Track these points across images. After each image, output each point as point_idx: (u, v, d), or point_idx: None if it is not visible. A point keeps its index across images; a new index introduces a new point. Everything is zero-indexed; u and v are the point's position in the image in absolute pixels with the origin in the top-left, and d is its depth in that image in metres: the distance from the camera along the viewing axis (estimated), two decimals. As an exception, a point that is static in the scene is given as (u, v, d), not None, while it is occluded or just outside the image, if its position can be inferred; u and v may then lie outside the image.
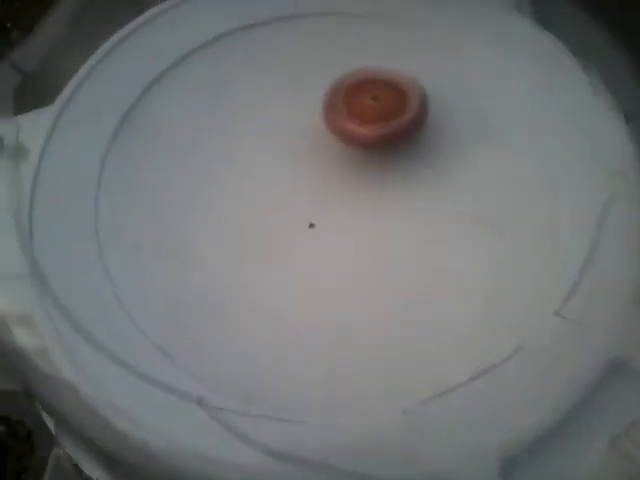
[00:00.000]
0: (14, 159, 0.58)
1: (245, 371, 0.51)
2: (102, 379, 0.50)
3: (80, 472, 0.56)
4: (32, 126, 0.60)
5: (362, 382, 0.51)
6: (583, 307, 0.53)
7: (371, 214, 0.59)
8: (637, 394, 0.51)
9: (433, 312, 0.54)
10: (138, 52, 0.65)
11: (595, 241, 0.56)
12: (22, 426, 0.73)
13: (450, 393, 0.50)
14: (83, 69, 0.63)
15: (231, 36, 0.67)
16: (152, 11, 0.67)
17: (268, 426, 0.49)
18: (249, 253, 0.56)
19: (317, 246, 0.57)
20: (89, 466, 0.56)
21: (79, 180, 0.59)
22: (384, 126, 0.57)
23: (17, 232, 0.55)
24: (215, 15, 0.68)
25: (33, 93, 0.63)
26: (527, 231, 0.57)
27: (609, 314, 0.53)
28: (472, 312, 0.54)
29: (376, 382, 0.51)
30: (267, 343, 0.53)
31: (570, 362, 0.51)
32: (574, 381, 0.50)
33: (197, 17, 0.68)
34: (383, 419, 0.49)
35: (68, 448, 0.56)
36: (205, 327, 0.53)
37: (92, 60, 0.64)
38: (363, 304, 0.54)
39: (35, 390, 0.53)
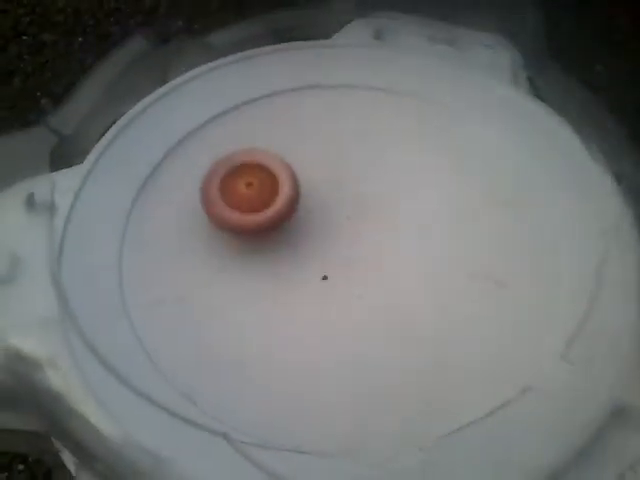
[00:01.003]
0: (48, 213, 0.60)
1: (265, 414, 0.53)
2: (126, 419, 0.51)
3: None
4: (64, 183, 0.62)
5: (378, 420, 0.53)
6: (585, 354, 0.55)
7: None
8: (636, 436, 0.53)
9: (446, 354, 0.56)
10: (161, 118, 0.68)
11: (594, 293, 0.58)
12: (41, 465, 0.72)
13: (462, 431, 0.52)
14: (110, 132, 0.66)
15: (252, 105, 0.70)
16: (175, 81, 0.70)
17: (292, 461, 0.50)
18: (261, 310, 0.59)
19: (330, 298, 0.59)
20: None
21: (104, 240, 0.60)
22: (259, 215, 0.59)
23: (50, 281, 0.57)
24: (236, 83, 0.71)
25: (67, 154, 0.65)
26: (529, 285, 0.60)
27: (610, 359, 0.55)
28: (482, 356, 0.56)
29: (392, 420, 0.53)
30: (286, 388, 0.54)
31: (575, 404, 0.54)
32: (580, 423, 0.52)
33: (217, 86, 0.71)
34: (400, 456, 0.51)
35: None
36: (226, 375, 0.55)
37: (119, 124, 0.66)
38: (377, 349, 0.57)
39: (59, 430, 0.53)
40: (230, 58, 0.72)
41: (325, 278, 0.60)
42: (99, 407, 0.51)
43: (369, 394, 0.54)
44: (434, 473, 0.50)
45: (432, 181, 0.66)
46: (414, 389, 0.54)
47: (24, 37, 1.11)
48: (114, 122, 0.66)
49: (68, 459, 0.58)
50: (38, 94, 1.00)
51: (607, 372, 0.55)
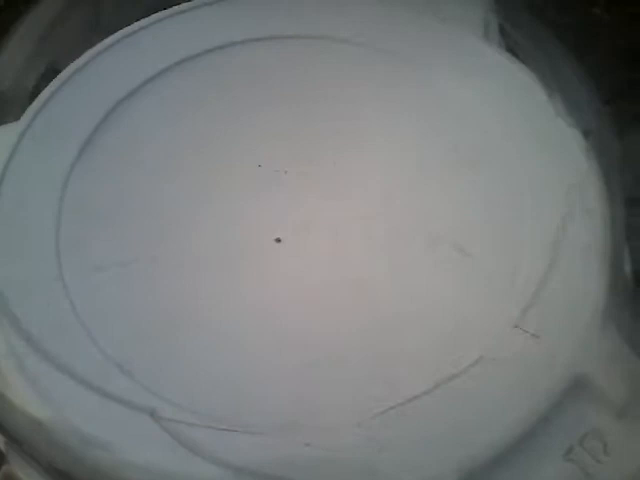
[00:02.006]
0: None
1: (201, 386, 0.50)
2: (54, 394, 0.48)
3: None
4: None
5: (317, 394, 0.50)
6: (541, 321, 0.52)
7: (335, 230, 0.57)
8: (593, 408, 0.50)
9: (392, 323, 0.53)
10: (102, 74, 0.64)
11: (554, 255, 0.55)
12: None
13: (407, 405, 0.49)
14: (48, 89, 0.62)
15: (194, 60, 0.65)
16: (120, 32, 0.66)
17: (223, 439, 0.47)
18: (209, 271, 0.55)
19: (282, 262, 0.56)
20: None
21: (41, 201, 0.57)
22: None
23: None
24: (176, 40, 0.67)
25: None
26: (489, 248, 0.56)
27: (567, 328, 0.52)
28: (432, 324, 0.53)
29: (332, 394, 0.50)
30: (223, 359, 0.51)
31: (529, 375, 0.50)
32: (534, 395, 0.49)
33: (160, 41, 0.67)
34: (339, 432, 0.48)
35: (18, 465, 0.53)
36: (163, 344, 0.51)
37: (57, 81, 0.63)
38: (322, 316, 0.53)
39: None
40: (180, 7, 0.68)
41: (278, 240, 0.56)
42: (26, 383, 0.48)
43: (309, 366, 0.51)
44: (373, 450, 0.47)
45: (392, 138, 0.62)
46: (357, 361, 0.51)
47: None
48: (52, 75, 0.62)
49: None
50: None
51: (564, 341, 0.51)
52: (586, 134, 0.59)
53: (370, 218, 0.58)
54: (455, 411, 0.49)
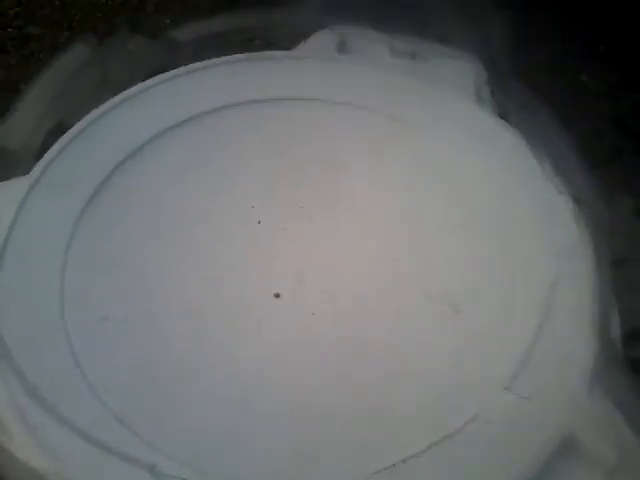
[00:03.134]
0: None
1: (200, 441, 0.50)
2: (55, 446, 0.48)
3: None
4: (8, 194, 0.59)
5: (315, 452, 0.50)
6: (531, 383, 0.52)
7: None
8: (583, 468, 0.50)
9: (387, 382, 0.53)
10: (107, 133, 0.65)
11: (543, 318, 0.55)
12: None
13: (401, 465, 0.48)
14: (56, 146, 0.63)
15: (196, 120, 0.66)
16: (126, 92, 0.67)
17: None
18: (209, 325, 0.55)
19: (280, 317, 0.56)
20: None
21: (46, 254, 0.57)
22: None
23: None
24: (193, 93, 0.68)
25: (11, 165, 0.62)
26: (481, 309, 0.57)
27: (556, 391, 0.52)
28: (425, 384, 0.53)
29: (327, 452, 0.50)
30: (223, 413, 0.51)
31: (520, 436, 0.50)
32: (524, 455, 0.49)
33: (163, 102, 0.68)
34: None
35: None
36: (164, 398, 0.51)
37: (65, 138, 0.63)
38: (318, 372, 0.53)
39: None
40: (187, 67, 0.69)
41: (277, 296, 0.57)
42: (27, 434, 0.48)
43: (305, 422, 0.51)
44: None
45: (390, 198, 0.63)
46: (352, 419, 0.51)
47: (9, 29, 1.09)
48: (60, 132, 0.62)
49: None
50: (21, 86, 0.97)
51: (553, 403, 0.51)
52: (576, 200, 0.60)
53: (366, 276, 0.58)
54: (448, 471, 0.49)
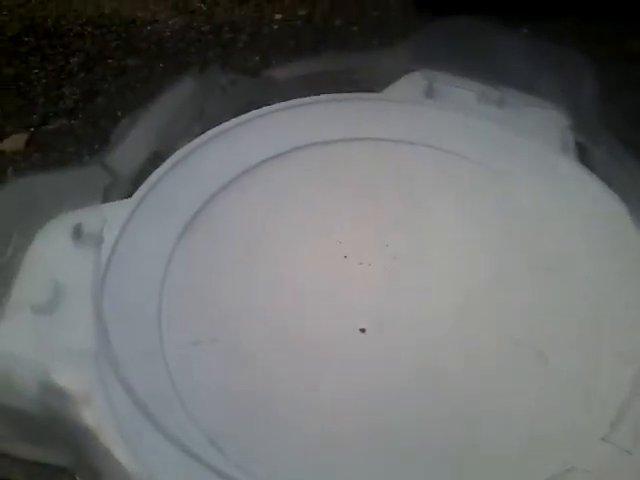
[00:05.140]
0: (94, 245, 0.59)
1: (288, 469, 0.50)
2: (153, 461, 0.49)
3: None
4: (111, 216, 0.61)
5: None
6: (631, 435, 0.50)
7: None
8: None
9: (469, 422, 0.52)
10: (202, 165, 0.66)
11: (638, 373, 0.53)
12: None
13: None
14: (156, 174, 0.65)
15: (286, 155, 0.68)
16: (216, 129, 0.69)
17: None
18: (298, 355, 0.56)
19: (365, 351, 0.56)
20: None
21: (146, 277, 0.59)
22: None
23: (91, 313, 0.55)
24: (285, 130, 0.70)
25: (117, 188, 0.65)
26: (569, 356, 0.56)
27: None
28: (510, 427, 0.52)
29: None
30: (311, 443, 0.51)
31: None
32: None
33: (266, 131, 0.70)
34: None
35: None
36: (255, 423, 0.52)
37: (168, 162, 0.66)
38: (413, 414, 0.53)
39: (85, 467, 0.52)
40: (281, 105, 0.71)
41: (362, 330, 0.57)
42: (128, 447, 0.48)
43: (389, 457, 0.50)
44: None
45: (475, 242, 0.63)
46: (430, 456, 0.50)
47: (109, 60, 1.12)
48: (157, 160, 0.65)
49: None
50: (119, 114, 1.01)
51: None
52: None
53: (451, 316, 0.58)
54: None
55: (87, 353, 0.52)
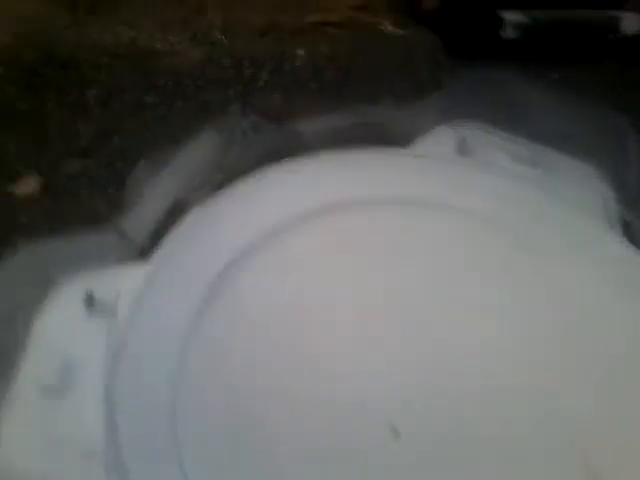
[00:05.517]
0: (106, 315, 0.55)
1: None
2: None
3: None
4: (124, 284, 0.57)
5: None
6: None
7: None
8: None
9: None
10: (223, 225, 0.63)
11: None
12: None
13: None
14: (173, 237, 0.61)
15: (310, 217, 0.63)
16: (238, 186, 0.65)
17: None
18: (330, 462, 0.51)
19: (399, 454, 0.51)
20: None
21: (161, 356, 0.54)
22: None
23: (101, 399, 0.51)
24: (309, 188, 0.66)
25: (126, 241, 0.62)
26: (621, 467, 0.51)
27: None
28: None
29: None
30: None
31: None
32: None
33: (289, 189, 0.66)
34: None
35: None
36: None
37: (185, 227, 0.62)
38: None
39: None
40: (306, 160, 0.67)
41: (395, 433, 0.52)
42: None
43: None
44: None
45: (523, 342, 0.57)
46: None
47: (126, 95, 1.10)
48: (175, 211, 0.62)
49: None
50: (136, 155, 0.99)
51: None
52: None
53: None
54: None
55: (93, 452, 0.48)
